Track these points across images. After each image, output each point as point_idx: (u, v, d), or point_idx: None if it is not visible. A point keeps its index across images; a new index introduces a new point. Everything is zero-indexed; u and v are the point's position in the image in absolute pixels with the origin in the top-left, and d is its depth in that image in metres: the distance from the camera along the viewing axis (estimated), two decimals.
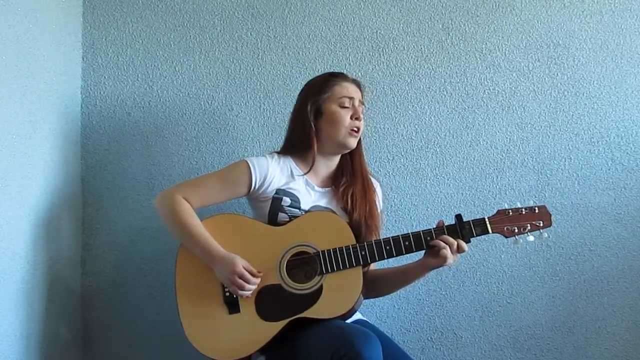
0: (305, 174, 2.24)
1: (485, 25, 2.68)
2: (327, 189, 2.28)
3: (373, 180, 2.35)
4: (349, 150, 2.26)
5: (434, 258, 2.10)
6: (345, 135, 2.22)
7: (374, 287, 2.28)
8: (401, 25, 2.68)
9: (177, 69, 2.67)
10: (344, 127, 2.21)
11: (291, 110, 2.31)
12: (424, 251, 2.13)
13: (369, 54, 2.68)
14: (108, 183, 2.64)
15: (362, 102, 2.27)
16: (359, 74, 2.64)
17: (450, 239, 2.08)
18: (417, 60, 2.68)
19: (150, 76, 2.66)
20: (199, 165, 2.64)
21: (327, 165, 2.29)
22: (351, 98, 2.23)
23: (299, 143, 2.25)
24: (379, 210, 2.31)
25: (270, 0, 2.68)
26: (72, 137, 2.59)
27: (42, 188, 2.34)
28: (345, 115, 2.21)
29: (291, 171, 2.24)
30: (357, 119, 2.22)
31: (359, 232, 2.19)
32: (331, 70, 2.37)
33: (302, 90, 2.31)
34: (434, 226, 2.12)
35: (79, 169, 2.63)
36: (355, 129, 2.22)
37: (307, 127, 2.22)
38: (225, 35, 2.67)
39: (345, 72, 2.35)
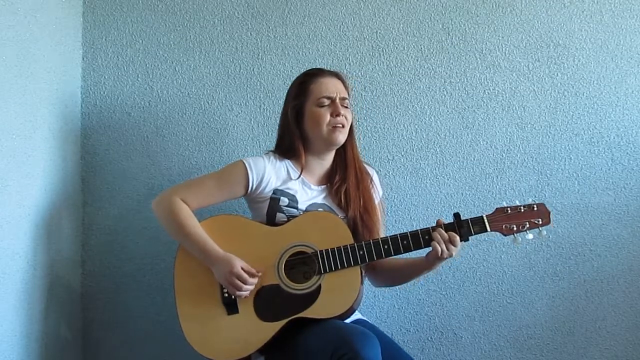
0: (297, 177, 2.24)
1: (485, 25, 2.68)
2: (322, 186, 2.28)
3: (368, 168, 2.35)
4: (339, 146, 2.25)
5: (431, 251, 2.11)
6: (329, 132, 2.20)
7: (388, 276, 2.30)
8: (401, 25, 2.68)
9: (177, 69, 2.67)
10: (326, 125, 2.19)
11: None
12: (424, 249, 2.13)
13: (369, 54, 2.68)
14: (108, 183, 2.64)
15: (343, 97, 2.24)
16: (359, 74, 2.64)
17: (442, 232, 2.08)
18: (417, 60, 2.68)
19: (150, 76, 2.66)
20: (199, 165, 2.65)
21: (321, 164, 2.29)
22: (329, 97, 2.20)
23: (289, 148, 2.25)
24: (377, 201, 2.30)
25: (270, 0, 2.68)
26: (72, 137, 2.59)
27: (42, 188, 2.34)
28: (325, 114, 2.19)
29: (288, 173, 2.24)
30: (337, 115, 2.20)
31: (356, 229, 2.20)
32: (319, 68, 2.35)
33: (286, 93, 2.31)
34: (433, 225, 2.12)
35: (79, 169, 2.63)
36: (338, 125, 2.20)
37: (292, 133, 2.23)
38: (225, 35, 2.67)
39: (344, 72, 2.34)
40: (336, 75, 2.27)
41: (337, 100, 2.21)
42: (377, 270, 2.28)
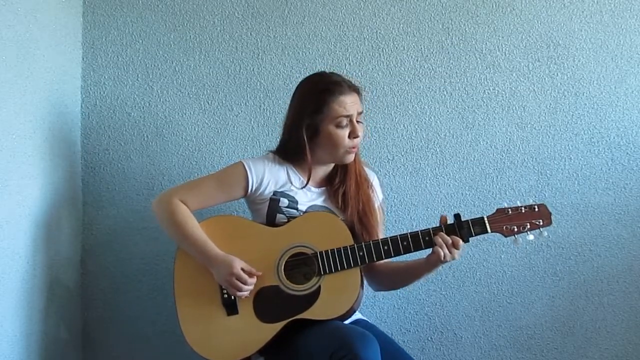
0: (303, 187, 2.22)
1: (485, 25, 2.67)
2: (322, 188, 2.27)
3: (369, 172, 2.32)
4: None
5: (432, 254, 2.09)
6: (344, 154, 2.17)
7: (389, 280, 2.29)
8: (401, 25, 2.68)
9: (177, 69, 2.67)
10: (342, 147, 2.15)
11: (286, 113, 2.25)
12: (424, 250, 2.12)
13: (369, 54, 2.68)
14: (108, 183, 2.64)
15: (360, 112, 2.18)
16: (359, 74, 2.63)
17: (445, 236, 2.07)
18: (417, 60, 2.68)
19: (150, 76, 2.66)
20: (199, 166, 2.65)
21: (324, 169, 2.27)
22: (349, 116, 2.13)
23: (294, 154, 2.21)
24: (377, 205, 2.29)
25: (270, 0, 2.68)
26: (72, 137, 2.59)
27: (42, 188, 2.34)
28: (344, 136, 2.14)
29: (289, 177, 2.22)
30: (355, 137, 2.15)
31: (356, 231, 2.19)
32: (328, 72, 2.27)
33: (295, 94, 2.23)
34: (436, 224, 2.11)
35: (79, 169, 2.63)
36: (354, 147, 2.17)
37: (302, 143, 2.16)
38: (225, 35, 2.67)
39: (344, 72, 2.33)
40: (356, 90, 2.18)
41: (355, 118, 2.15)
42: (377, 274, 2.27)
